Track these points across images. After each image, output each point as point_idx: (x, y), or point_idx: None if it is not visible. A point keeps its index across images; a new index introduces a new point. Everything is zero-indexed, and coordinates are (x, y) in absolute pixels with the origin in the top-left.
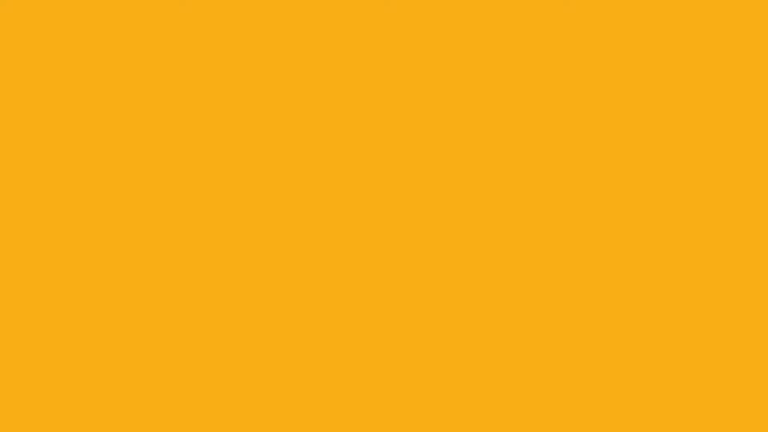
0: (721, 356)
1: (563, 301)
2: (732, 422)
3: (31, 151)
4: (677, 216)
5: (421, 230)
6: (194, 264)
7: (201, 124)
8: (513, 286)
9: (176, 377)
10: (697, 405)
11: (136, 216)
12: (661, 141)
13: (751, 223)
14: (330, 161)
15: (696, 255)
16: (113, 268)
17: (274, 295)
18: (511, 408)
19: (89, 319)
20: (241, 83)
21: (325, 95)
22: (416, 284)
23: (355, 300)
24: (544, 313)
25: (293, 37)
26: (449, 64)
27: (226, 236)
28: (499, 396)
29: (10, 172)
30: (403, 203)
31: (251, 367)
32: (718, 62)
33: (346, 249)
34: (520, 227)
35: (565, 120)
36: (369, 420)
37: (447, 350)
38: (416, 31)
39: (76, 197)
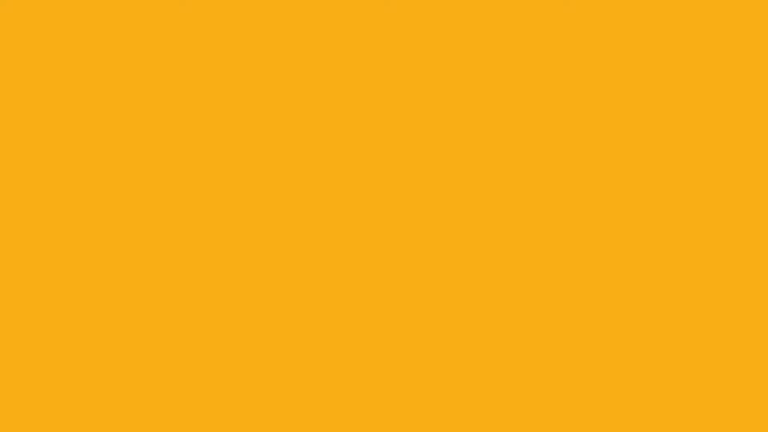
0: (721, 356)
1: (563, 300)
2: (732, 422)
3: (31, 151)
4: (677, 215)
5: (421, 230)
6: (194, 263)
7: (201, 124)
8: (513, 285)
9: (176, 377)
10: (697, 405)
11: (136, 215)
12: (661, 141)
13: (751, 223)
14: (330, 161)
15: (696, 255)
16: (113, 267)
17: (274, 294)
18: (511, 408)
19: (89, 319)
20: (241, 83)
21: (326, 95)
22: (416, 284)
23: (355, 300)
24: (543, 313)
25: (293, 37)
26: (449, 64)
27: (225, 236)
28: (500, 396)
29: (10, 172)
30: (402, 203)
31: (251, 367)
32: (718, 62)
33: (346, 248)
34: (520, 227)
35: (565, 120)
36: (369, 420)
37: (447, 350)
38: (416, 31)
39: (76, 197)
